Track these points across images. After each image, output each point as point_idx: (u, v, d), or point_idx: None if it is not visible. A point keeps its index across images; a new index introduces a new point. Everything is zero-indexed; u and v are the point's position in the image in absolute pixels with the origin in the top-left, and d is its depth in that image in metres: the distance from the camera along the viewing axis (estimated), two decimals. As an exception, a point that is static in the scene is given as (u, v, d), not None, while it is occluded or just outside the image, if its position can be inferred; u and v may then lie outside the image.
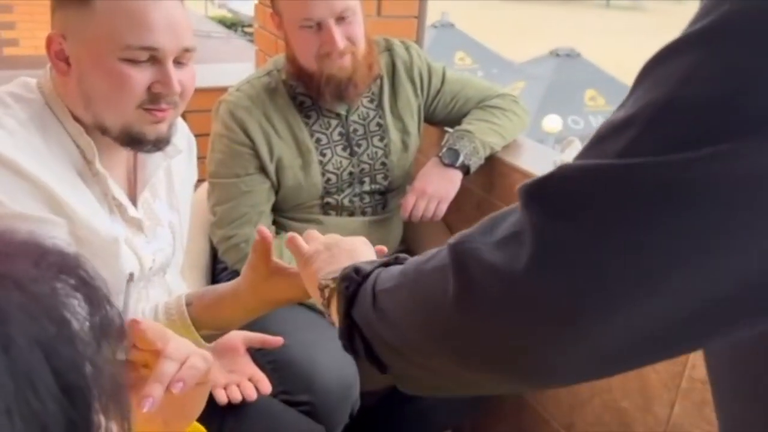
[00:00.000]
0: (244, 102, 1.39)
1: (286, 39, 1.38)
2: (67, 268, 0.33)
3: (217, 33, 11.12)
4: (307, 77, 1.37)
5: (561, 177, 0.41)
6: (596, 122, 11.20)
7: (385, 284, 0.58)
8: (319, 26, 1.30)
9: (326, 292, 0.70)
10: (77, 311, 0.32)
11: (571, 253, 0.39)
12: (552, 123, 9.45)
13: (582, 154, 0.42)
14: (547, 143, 9.30)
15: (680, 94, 0.37)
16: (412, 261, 0.57)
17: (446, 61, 12.48)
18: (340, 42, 1.30)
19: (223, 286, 0.99)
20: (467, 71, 12.44)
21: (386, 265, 0.63)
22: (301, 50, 1.35)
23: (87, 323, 0.32)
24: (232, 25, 13.81)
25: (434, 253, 0.52)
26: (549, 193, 0.41)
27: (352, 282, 0.62)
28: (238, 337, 1.02)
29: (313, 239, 0.82)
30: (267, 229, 0.91)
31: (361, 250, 0.77)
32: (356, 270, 0.63)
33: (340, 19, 1.30)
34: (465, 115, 1.54)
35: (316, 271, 0.75)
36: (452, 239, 0.48)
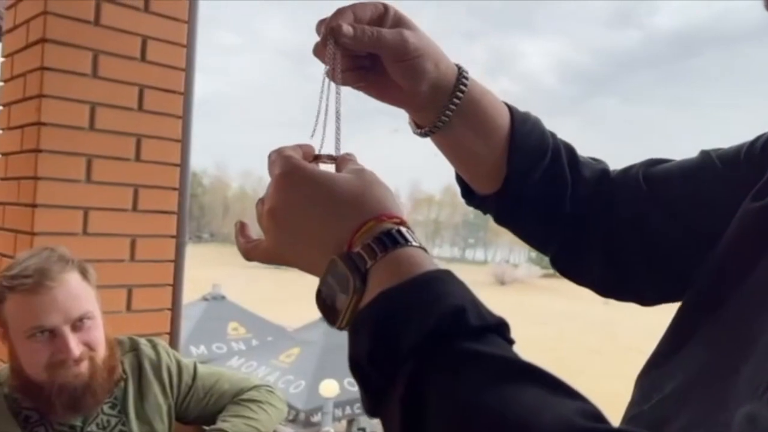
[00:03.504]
0: (-50, 425, 1.18)
1: (10, 350, 1.25)
2: None
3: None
4: (36, 389, 1.23)
5: None
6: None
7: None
8: (52, 334, 1.22)
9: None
10: None
11: None
12: (329, 387, 9.52)
13: None
14: (326, 407, 9.26)
15: None
16: None
17: (219, 332, 12.32)
18: (76, 349, 1.22)
19: None
20: (242, 341, 12.36)
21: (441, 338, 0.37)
22: (30, 361, 1.23)
23: None
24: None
25: None
26: None
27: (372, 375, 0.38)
28: None
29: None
30: None
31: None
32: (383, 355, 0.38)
33: (77, 324, 1.24)
34: (221, 410, 1.48)
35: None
36: None
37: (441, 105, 0.61)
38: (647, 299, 0.68)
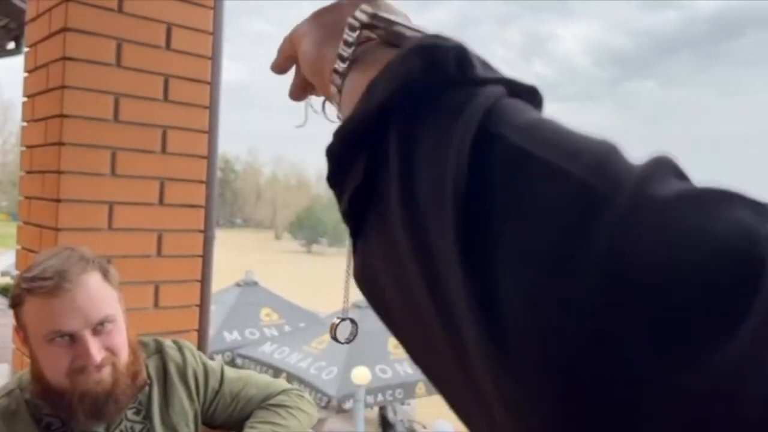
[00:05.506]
0: (-31, 433, 1.14)
1: (31, 355, 1.21)
2: None
3: (-7, 305, 10.08)
4: (57, 396, 1.18)
5: None
6: (402, 370, 11.56)
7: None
8: (72, 338, 1.16)
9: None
10: None
11: None
12: (361, 374, 9.53)
13: None
14: (358, 394, 9.27)
15: None
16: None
17: (252, 318, 12.45)
18: (97, 355, 1.17)
19: None
20: (274, 327, 12.45)
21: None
22: (50, 366, 1.18)
23: None
24: (15, 293, 12.67)
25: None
26: None
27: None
28: None
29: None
30: None
31: None
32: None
33: (98, 329, 1.18)
34: (248, 416, 1.42)
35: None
36: None
37: None
38: None
